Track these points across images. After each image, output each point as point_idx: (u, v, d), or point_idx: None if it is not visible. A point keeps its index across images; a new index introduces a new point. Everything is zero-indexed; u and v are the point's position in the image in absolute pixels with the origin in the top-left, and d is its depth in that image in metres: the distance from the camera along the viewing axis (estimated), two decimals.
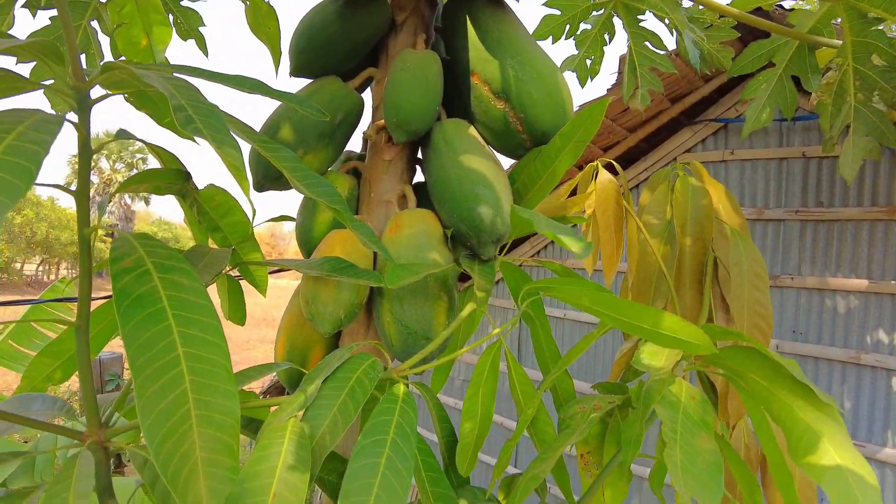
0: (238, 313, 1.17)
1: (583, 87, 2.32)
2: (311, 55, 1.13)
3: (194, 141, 0.82)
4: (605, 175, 1.27)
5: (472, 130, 1.11)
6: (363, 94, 1.21)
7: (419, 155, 1.20)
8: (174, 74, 0.67)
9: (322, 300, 0.98)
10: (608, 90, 2.66)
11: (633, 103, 2.18)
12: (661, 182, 1.39)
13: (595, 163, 1.30)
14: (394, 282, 0.87)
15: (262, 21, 1.10)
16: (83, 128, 0.70)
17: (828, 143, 1.67)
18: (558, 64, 1.40)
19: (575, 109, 1.20)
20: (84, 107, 0.72)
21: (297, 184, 0.77)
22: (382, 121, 1.13)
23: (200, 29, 1.35)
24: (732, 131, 2.68)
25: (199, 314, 0.66)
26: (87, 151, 0.72)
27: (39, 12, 1.27)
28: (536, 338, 1.07)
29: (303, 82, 1.16)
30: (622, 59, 2.35)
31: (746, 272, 1.20)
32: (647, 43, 1.56)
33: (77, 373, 0.83)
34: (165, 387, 0.60)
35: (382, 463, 0.68)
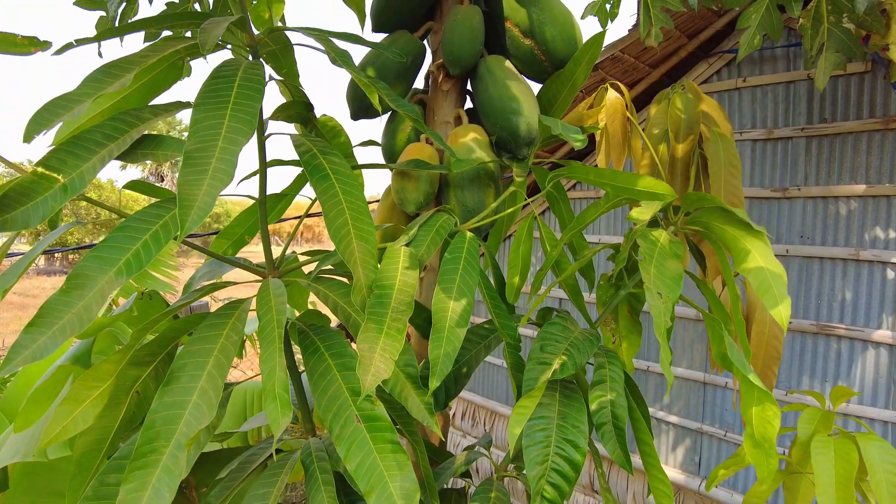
0: None
1: (604, 28, 2.66)
2: (387, 15, 1.53)
3: (300, 86, 1.25)
4: (613, 94, 1.63)
5: (508, 63, 1.50)
6: (425, 43, 1.60)
7: (468, 88, 1.60)
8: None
9: (408, 189, 1.41)
10: (629, 30, 2.96)
11: (649, 41, 2.51)
12: (663, 99, 1.75)
13: (605, 85, 1.67)
14: (456, 168, 1.29)
15: None
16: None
17: (808, 60, 1.97)
18: (582, 8, 1.76)
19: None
20: (256, 57, 1.15)
21: (390, 103, 1.18)
22: (441, 60, 1.53)
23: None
24: (745, 61, 2.95)
25: (347, 178, 1.09)
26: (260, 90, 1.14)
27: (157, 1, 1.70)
28: (559, 211, 1.47)
29: (380, 37, 1.57)
30: (639, 1, 2.66)
31: (723, 162, 1.56)
32: None
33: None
34: (337, 214, 1.03)
35: (461, 267, 1.11)
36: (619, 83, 1.68)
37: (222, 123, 0.92)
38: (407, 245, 1.15)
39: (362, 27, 1.54)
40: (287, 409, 0.91)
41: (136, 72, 1.00)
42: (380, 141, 1.61)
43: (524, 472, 1.28)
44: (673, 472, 3.12)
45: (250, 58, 1.15)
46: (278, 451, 1.32)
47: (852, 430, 2.58)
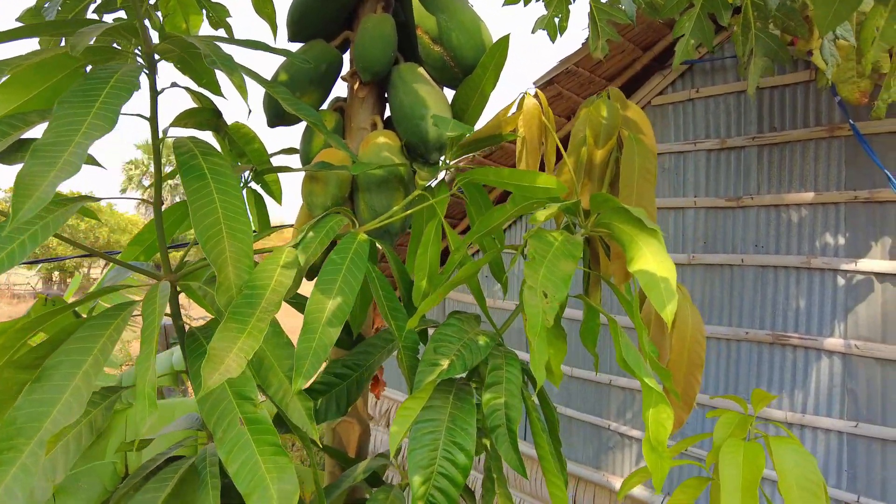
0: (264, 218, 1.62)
1: (553, 41, 2.69)
2: (302, 25, 1.54)
3: (221, 95, 1.26)
4: (530, 101, 1.64)
5: (421, 70, 1.51)
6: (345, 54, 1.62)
7: (387, 95, 1.60)
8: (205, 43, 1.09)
9: (315, 192, 1.40)
10: (582, 44, 2.99)
11: (596, 53, 2.53)
12: (586, 106, 1.75)
13: (525, 92, 1.67)
14: (355, 170, 1.29)
15: (262, 4, 1.52)
16: (152, 77, 1.13)
17: (741, 67, 1.98)
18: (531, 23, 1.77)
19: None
20: (152, 64, 1.15)
21: (290, 109, 1.19)
22: (354, 67, 1.53)
23: (228, 20, 1.77)
24: (697, 71, 2.97)
25: (226, 178, 1.08)
26: (154, 97, 1.15)
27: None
28: (475, 201, 1.47)
29: (297, 46, 1.58)
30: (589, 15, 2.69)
31: (637, 167, 1.55)
32: None
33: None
34: (208, 214, 1.03)
35: (345, 267, 1.10)
36: (539, 90, 1.68)
37: (84, 120, 0.92)
38: (295, 246, 1.14)
39: (275, 37, 1.55)
40: (153, 407, 0.90)
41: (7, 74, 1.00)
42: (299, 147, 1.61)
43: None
44: (639, 489, 3.07)
45: (146, 63, 1.15)
46: (177, 457, 1.30)
47: (798, 439, 2.54)
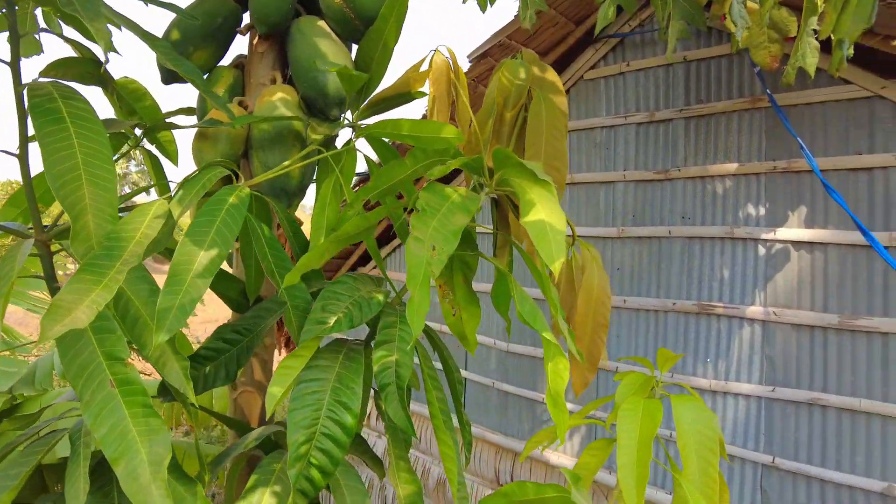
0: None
1: (483, 12, 2.65)
2: None
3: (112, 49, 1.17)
4: (440, 58, 1.59)
5: (322, 23, 1.44)
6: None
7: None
8: None
9: (204, 150, 1.33)
10: (515, 16, 2.96)
11: (524, 24, 2.50)
12: (502, 68, 1.72)
13: (435, 49, 1.62)
14: (238, 123, 1.22)
15: None
16: (11, 17, 1.04)
17: (661, 32, 1.99)
18: None
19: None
20: (10, 4, 1.06)
21: (169, 64, 1.11)
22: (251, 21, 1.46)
23: None
24: (628, 45, 2.98)
25: (89, 123, 1.00)
26: (15, 40, 1.06)
27: None
28: (385, 159, 1.42)
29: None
30: None
31: (545, 124, 1.53)
32: None
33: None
34: (64, 158, 0.95)
35: (219, 219, 1.03)
36: (449, 48, 1.64)
37: None
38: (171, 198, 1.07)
39: None
40: None
41: None
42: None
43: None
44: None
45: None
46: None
47: (720, 405, 2.61)
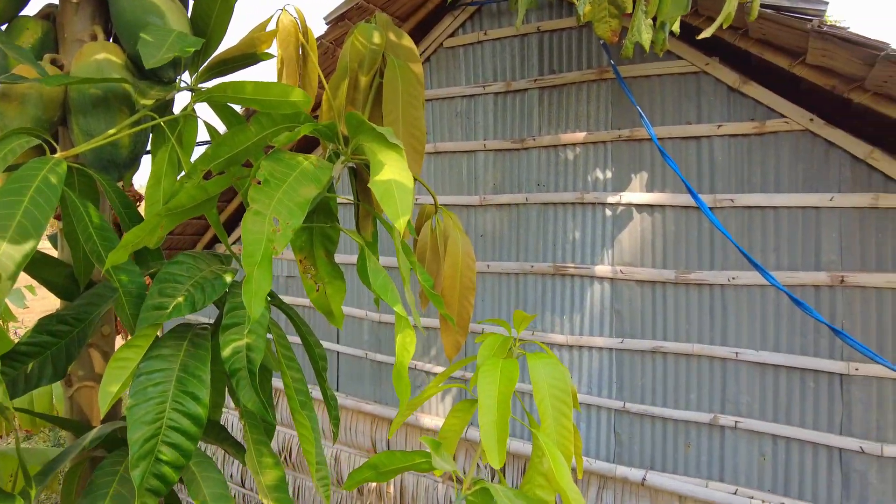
0: None
1: None
2: None
3: None
4: (287, 17, 1.49)
5: None
6: None
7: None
8: None
9: (8, 114, 1.14)
10: None
11: None
12: (356, 31, 1.65)
13: (282, 8, 1.52)
14: (53, 82, 1.06)
15: None
16: None
17: (511, 1, 2.03)
18: None
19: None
20: None
21: None
22: None
23: None
24: (485, 14, 3.02)
25: None
26: None
27: None
28: (230, 124, 1.31)
29: None
30: None
31: (401, 91, 1.50)
32: None
33: None
34: None
35: (27, 199, 0.89)
36: (297, 8, 1.54)
37: None
38: None
39: None
40: None
41: None
42: None
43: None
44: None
45: None
46: None
47: (577, 358, 2.81)
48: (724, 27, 1.61)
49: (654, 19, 1.83)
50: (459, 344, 1.62)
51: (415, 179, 1.24)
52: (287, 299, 3.77)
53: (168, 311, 0.97)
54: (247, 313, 1.04)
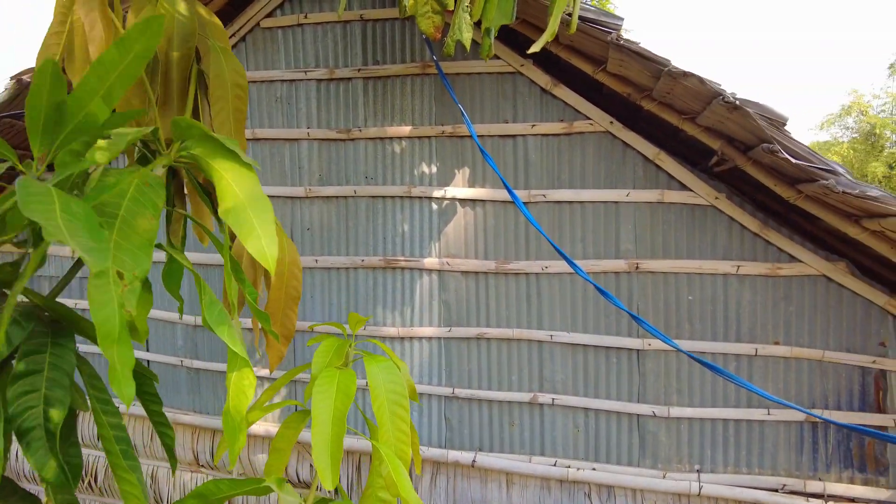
0: None
1: None
2: None
3: None
4: None
5: None
6: None
7: None
8: None
9: None
10: None
11: None
12: (147, 4, 1.44)
13: None
14: None
15: None
16: None
17: None
18: None
19: None
20: None
21: None
22: None
23: None
24: None
25: None
26: None
27: None
28: None
29: None
30: None
31: (229, 84, 1.35)
32: None
33: None
34: None
35: None
36: None
37: None
38: None
39: None
40: None
41: None
42: None
43: None
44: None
45: None
46: None
47: (408, 349, 2.85)
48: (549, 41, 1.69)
49: (479, 23, 1.87)
50: (282, 354, 1.53)
51: None
52: (71, 303, 3.29)
53: None
54: (66, 356, 0.87)
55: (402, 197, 2.82)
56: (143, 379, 1.18)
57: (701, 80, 2.05)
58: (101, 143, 0.95)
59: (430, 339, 2.83)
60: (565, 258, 2.23)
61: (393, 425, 1.29)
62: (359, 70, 2.80)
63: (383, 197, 2.85)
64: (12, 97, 2.84)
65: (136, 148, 1.19)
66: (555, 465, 2.65)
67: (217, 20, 1.48)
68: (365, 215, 2.88)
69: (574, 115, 2.59)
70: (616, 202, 2.57)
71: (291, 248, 1.50)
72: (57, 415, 0.84)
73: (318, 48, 2.88)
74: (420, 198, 2.80)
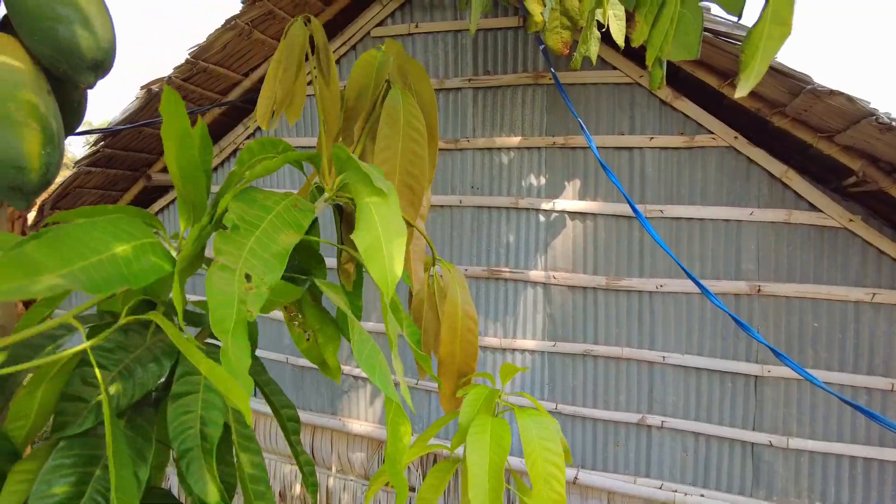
0: None
1: None
2: None
3: None
4: (298, 24, 1.28)
5: None
6: None
7: None
8: None
9: None
10: None
11: None
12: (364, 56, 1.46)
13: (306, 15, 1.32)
14: None
15: None
16: None
17: (462, 3, 1.93)
18: None
19: None
20: None
21: None
22: None
23: None
24: (416, 6, 2.88)
25: None
26: None
27: None
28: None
29: None
30: None
31: (402, 123, 1.33)
32: None
33: None
34: None
35: None
36: (312, 16, 1.35)
37: None
38: None
39: None
40: None
41: None
42: None
43: None
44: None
45: None
46: None
47: (510, 361, 2.83)
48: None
49: (630, 43, 1.81)
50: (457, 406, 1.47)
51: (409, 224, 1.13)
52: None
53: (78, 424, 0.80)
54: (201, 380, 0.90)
55: (508, 208, 2.80)
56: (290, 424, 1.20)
57: (850, 99, 1.91)
58: (265, 163, 0.98)
59: (532, 351, 2.81)
60: (696, 282, 2.14)
61: (548, 486, 1.20)
62: (469, 80, 2.79)
63: (489, 207, 2.84)
64: (142, 106, 3.01)
65: (311, 192, 1.22)
66: (661, 487, 2.58)
67: (419, 69, 1.43)
68: (470, 225, 2.88)
69: (695, 128, 2.48)
70: (738, 220, 2.44)
71: (466, 299, 1.40)
72: (213, 434, 0.87)
73: (427, 57, 2.89)
74: (527, 209, 2.76)
